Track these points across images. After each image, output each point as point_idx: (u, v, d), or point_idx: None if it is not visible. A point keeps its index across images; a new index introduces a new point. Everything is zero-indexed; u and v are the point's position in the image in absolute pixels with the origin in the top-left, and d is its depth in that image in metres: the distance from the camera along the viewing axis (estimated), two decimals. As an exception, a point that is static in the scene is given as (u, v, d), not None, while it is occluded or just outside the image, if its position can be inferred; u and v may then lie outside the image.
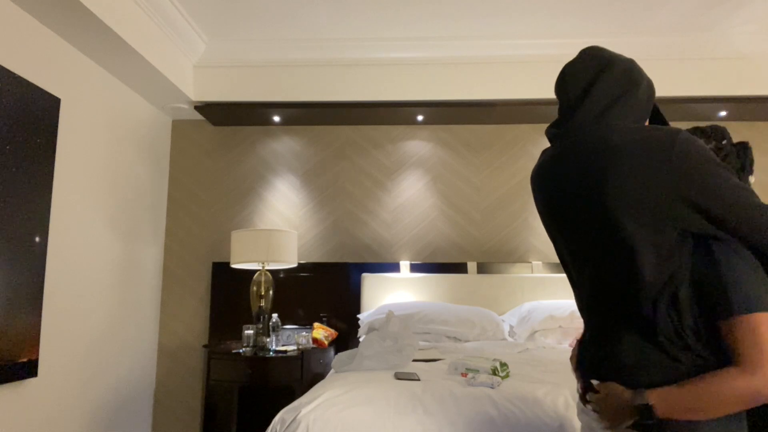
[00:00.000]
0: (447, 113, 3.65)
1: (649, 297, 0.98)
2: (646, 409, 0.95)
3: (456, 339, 3.05)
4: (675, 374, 0.95)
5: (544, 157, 1.19)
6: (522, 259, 3.72)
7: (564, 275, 3.23)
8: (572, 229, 1.11)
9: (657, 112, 1.17)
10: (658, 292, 0.98)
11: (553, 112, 3.43)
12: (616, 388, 1.01)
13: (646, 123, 1.11)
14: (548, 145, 1.23)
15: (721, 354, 0.95)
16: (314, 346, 3.33)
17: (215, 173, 3.87)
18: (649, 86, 1.11)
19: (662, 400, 0.94)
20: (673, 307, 0.97)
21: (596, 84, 1.08)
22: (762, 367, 0.90)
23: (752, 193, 0.98)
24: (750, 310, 0.92)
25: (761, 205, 0.97)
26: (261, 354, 3.10)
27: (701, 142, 0.99)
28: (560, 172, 1.11)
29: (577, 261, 1.13)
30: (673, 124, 4.07)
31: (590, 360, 1.11)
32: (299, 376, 3.07)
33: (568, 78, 1.14)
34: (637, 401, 0.96)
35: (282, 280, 3.66)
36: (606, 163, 1.01)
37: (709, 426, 0.94)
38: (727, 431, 0.95)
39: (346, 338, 3.61)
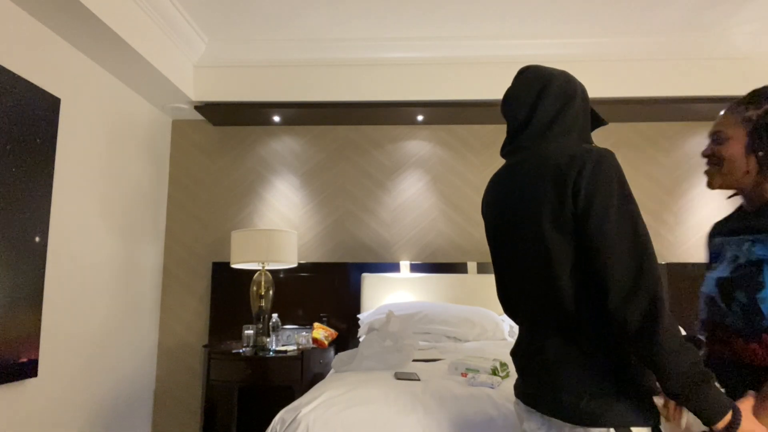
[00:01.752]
0: (447, 113, 3.65)
1: (570, 296, 1.07)
2: None
3: (456, 339, 3.05)
4: (591, 370, 1.05)
5: (498, 171, 1.32)
6: (522, 259, 3.72)
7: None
8: (509, 235, 1.21)
9: (592, 112, 1.28)
10: (578, 293, 1.06)
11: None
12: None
13: (588, 129, 1.23)
14: None
15: (625, 353, 1.03)
16: (314, 346, 3.33)
17: (215, 173, 3.87)
18: (584, 95, 1.23)
19: None
20: (596, 308, 1.05)
21: (538, 104, 1.20)
22: None
23: (637, 220, 1.01)
24: None
25: (639, 234, 1.00)
26: (261, 354, 3.10)
27: (617, 163, 1.05)
28: (508, 184, 1.23)
29: (510, 265, 1.23)
30: (674, 124, 4.03)
31: (522, 355, 1.22)
32: (299, 376, 3.07)
33: (513, 102, 1.25)
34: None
35: (282, 280, 3.66)
36: (539, 177, 1.11)
37: (622, 405, 1.01)
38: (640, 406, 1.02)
39: (346, 338, 3.61)
